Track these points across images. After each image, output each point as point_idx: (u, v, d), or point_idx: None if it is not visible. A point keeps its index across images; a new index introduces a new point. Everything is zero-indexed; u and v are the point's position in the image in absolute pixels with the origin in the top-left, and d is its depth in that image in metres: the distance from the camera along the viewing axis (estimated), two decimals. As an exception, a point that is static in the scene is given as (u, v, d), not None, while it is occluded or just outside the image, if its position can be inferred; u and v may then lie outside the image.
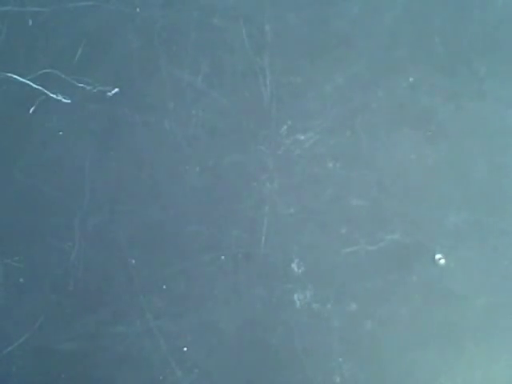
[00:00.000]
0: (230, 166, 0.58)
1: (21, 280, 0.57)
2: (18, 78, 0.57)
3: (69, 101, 0.57)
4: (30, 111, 0.57)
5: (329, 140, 0.57)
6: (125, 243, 0.56)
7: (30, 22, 0.62)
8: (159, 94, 0.57)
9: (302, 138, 0.57)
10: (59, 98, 0.57)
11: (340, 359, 0.54)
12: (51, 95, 0.57)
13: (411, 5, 0.63)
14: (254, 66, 0.58)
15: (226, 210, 0.57)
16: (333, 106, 0.57)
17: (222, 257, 0.57)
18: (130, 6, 0.62)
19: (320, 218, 0.56)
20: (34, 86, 0.57)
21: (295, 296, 0.56)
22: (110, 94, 0.57)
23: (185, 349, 0.55)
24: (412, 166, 0.59)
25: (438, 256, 0.56)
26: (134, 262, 0.57)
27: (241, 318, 0.56)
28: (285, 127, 0.58)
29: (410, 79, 0.61)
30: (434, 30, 0.62)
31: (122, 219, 0.57)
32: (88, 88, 0.57)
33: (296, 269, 0.56)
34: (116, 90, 0.57)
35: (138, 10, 0.62)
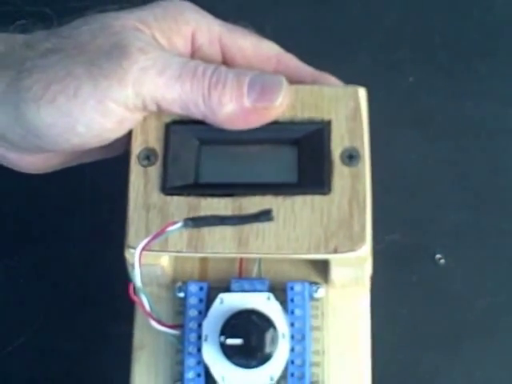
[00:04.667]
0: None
1: (21, 280, 0.57)
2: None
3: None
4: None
5: (329, 140, 0.57)
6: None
7: (30, 22, 0.62)
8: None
9: (302, 138, 0.57)
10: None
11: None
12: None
13: (411, 5, 0.63)
14: (254, 66, 0.58)
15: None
16: (333, 106, 0.57)
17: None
18: (131, 6, 0.62)
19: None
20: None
21: (295, 296, 0.56)
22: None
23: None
24: (412, 166, 0.59)
25: (438, 256, 0.56)
26: (133, 261, 0.57)
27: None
28: (285, 127, 0.58)
29: (410, 79, 0.61)
30: (434, 29, 0.62)
31: (122, 219, 0.57)
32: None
33: (296, 269, 0.56)
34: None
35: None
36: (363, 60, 0.61)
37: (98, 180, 0.55)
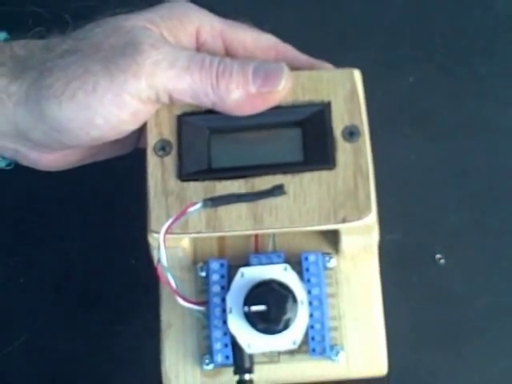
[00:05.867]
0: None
1: (21, 280, 0.57)
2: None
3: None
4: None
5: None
6: (125, 243, 0.56)
7: (30, 22, 0.62)
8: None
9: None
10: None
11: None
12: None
13: (411, 5, 0.63)
14: (254, 66, 0.58)
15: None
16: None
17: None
18: (131, 6, 0.62)
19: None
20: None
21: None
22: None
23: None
24: (412, 166, 0.59)
25: (438, 256, 0.56)
26: (133, 261, 0.57)
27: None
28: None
29: (410, 79, 0.61)
30: (434, 29, 0.62)
31: (122, 219, 0.57)
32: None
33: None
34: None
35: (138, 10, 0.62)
36: (363, 60, 0.61)
37: (99, 180, 0.55)
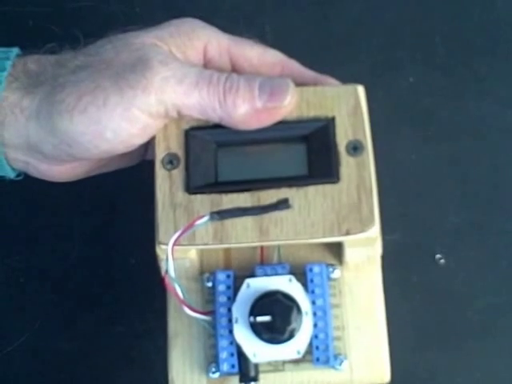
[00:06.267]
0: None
1: (21, 280, 0.57)
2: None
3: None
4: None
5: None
6: (125, 243, 0.56)
7: (30, 22, 0.62)
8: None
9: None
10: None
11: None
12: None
13: (411, 5, 0.63)
14: (254, 66, 0.58)
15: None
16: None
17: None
18: (130, 6, 0.62)
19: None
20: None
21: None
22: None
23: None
24: (412, 166, 0.59)
25: (438, 256, 0.56)
26: (133, 261, 0.57)
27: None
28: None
29: (410, 79, 0.61)
30: (434, 30, 0.62)
31: (122, 219, 0.57)
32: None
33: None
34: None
35: (137, 10, 0.62)
36: (363, 60, 0.61)
37: (99, 180, 0.55)
